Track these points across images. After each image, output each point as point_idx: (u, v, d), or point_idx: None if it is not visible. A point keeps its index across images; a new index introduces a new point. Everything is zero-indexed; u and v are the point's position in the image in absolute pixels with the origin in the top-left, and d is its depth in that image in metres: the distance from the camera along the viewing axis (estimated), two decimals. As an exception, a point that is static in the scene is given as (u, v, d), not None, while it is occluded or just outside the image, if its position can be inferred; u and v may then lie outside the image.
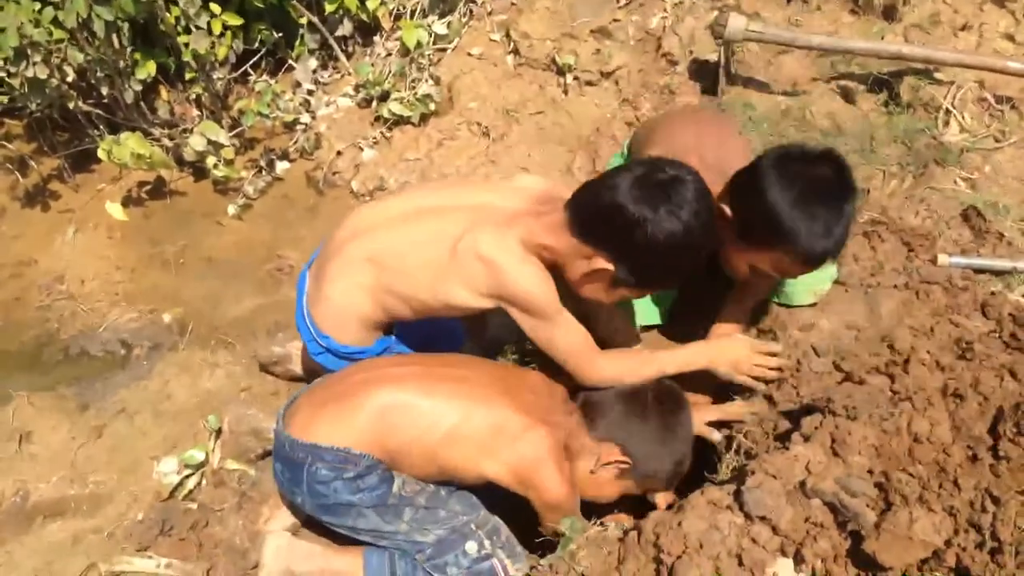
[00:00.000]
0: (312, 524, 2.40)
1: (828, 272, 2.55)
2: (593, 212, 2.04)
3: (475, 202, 2.24)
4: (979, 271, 2.62)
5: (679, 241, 1.96)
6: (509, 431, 2.10)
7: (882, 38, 3.62)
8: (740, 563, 1.68)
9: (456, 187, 2.49)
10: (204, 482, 2.60)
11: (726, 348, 2.31)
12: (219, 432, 2.66)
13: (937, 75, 3.44)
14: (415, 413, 2.12)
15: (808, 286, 2.53)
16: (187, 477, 2.57)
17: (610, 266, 2.04)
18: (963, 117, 3.29)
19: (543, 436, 2.11)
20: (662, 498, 2.29)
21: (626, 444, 2.17)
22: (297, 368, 2.87)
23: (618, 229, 1.98)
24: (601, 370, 2.20)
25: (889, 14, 3.76)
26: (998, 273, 2.62)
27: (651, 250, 1.97)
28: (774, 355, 2.32)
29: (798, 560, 1.65)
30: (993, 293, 2.47)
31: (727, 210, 2.14)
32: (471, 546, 2.13)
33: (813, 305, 2.56)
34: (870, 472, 1.74)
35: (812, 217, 1.99)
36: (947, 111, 3.32)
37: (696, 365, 2.28)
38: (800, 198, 2.00)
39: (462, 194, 2.32)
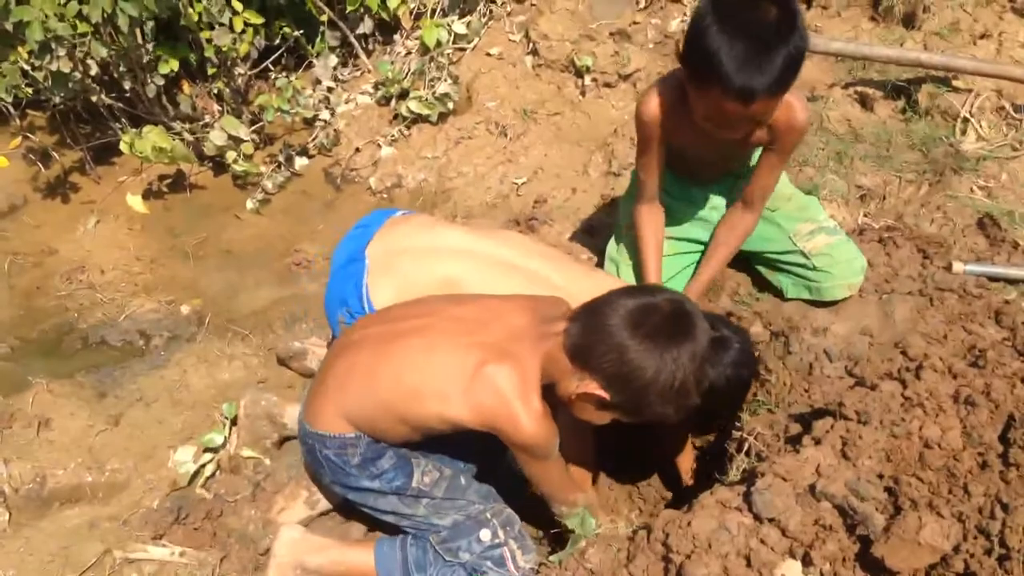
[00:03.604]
0: (330, 513, 2.45)
1: (859, 264, 2.57)
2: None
3: (554, 282, 2.38)
4: (993, 279, 2.62)
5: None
6: (466, 372, 1.96)
7: (901, 45, 3.62)
8: (748, 564, 1.69)
9: (541, 256, 2.52)
10: (220, 471, 2.63)
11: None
12: (235, 420, 2.69)
13: (955, 83, 3.44)
14: (373, 376, 2.07)
15: (842, 279, 2.56)
16: (204, 465, 2.60)
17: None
18: (981, 125, 3.29)
19: (503, 372, 1.93)
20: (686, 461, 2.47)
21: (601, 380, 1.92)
22: (313, 365, 2.90)
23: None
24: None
25: (909, 21, 3.76)
26: (1013, 282, 2.63)
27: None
28: None
29: (806, 562, 1.66)
30: (1007, 301, 2.47)
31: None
32: (485, 533, 2.15)
33: (834, 303, 2.58)
34: (880, 476, 1.75)
35: (738, 52, 1.98)
36: (965, 119, 3.31)
37: None
38: (729, 31, 1.99)
39: (546, 265, 2.44)
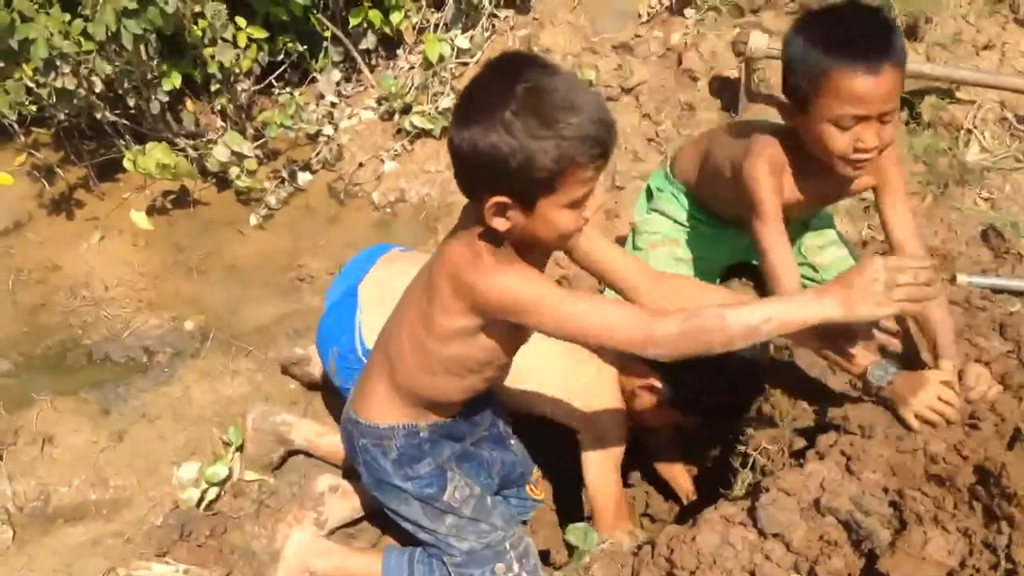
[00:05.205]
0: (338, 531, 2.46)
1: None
2: None
3: None
4: (997, 291, 2.61)
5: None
6: (437, 280, 1.85)
7: (904, 57, 3.62)
8: (753, 579, 1.69)
9: None
10: (223, 494, 2.63)
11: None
12: (239, 448, 2.70)
13: (958, 94, 3.44)
14: (399, 338, 2.00)
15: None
16: (207, 489, 2.60)
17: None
18: (984, 137, 3.29)
19: (450, 256, 1.81)
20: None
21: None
22: (316, 371, 2.90)
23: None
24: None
25: (911, 33, 3.76)
26: (1017, 293, 2.62)
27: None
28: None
29: (811, 577, 1.66)
30: (1011, 313, 2.46)
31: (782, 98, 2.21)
32: (500, 567, 2.13)
33: None
34: (885, 491, 1.74)
35: (853, 32, 2.03)
36: (968, 131, 3.32)
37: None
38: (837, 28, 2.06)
39: None
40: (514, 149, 1.55)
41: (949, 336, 2.10)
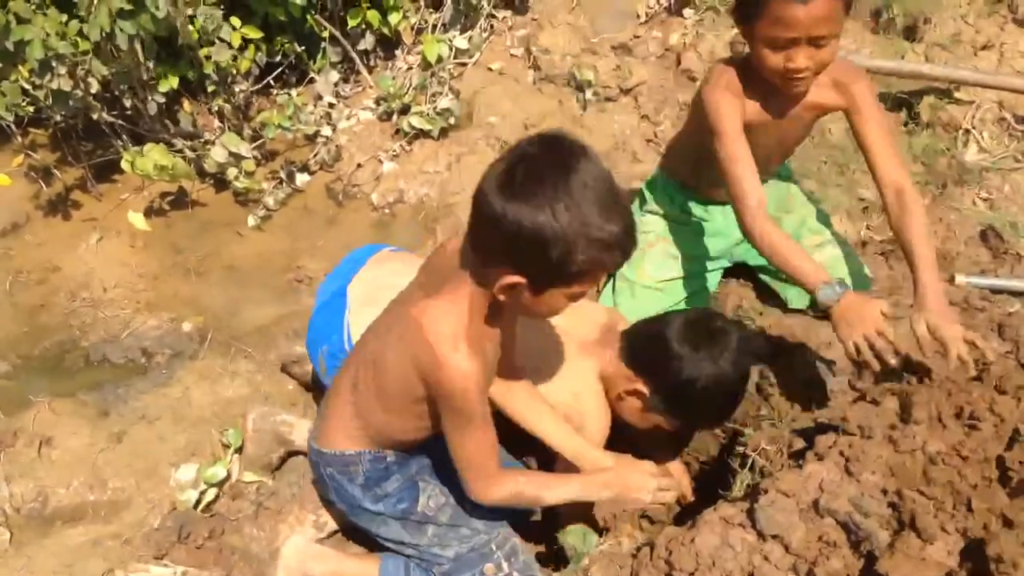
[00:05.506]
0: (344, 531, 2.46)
1: (865, 280, 2.58)
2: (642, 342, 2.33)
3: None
4: (996, 291, 2.61)
5: (712, 384, 2.18)
6: (405, 332, 1.86)
7: (903, 57, 3.62)
8: (752, 581, 1.69)
9: None
10: (222, 496, 2.63)
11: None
12: (239, 449, 2.69)
13: (957, 95, 3.44)
14: (366, 374, 2.02)
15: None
16: (205, 491, 2.59)
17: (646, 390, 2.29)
18: (983, 137, 3.29)
19: (428, 317, 1.80)
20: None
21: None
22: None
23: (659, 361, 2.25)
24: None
25: (910, 33, 3.76)
26: (1016, 294, 2.62)
27: (684, 387, 2.21)
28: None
29: (810, 579, 1.65)
30: (1010, 314, 2.46)
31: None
32: (489, 568, 2.13)
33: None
34: (884, 492, 1.74)
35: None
36: (967, 131, 3.32)
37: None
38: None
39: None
40: (557, 238, 1.57)
41: (934, 286, 2.17)
